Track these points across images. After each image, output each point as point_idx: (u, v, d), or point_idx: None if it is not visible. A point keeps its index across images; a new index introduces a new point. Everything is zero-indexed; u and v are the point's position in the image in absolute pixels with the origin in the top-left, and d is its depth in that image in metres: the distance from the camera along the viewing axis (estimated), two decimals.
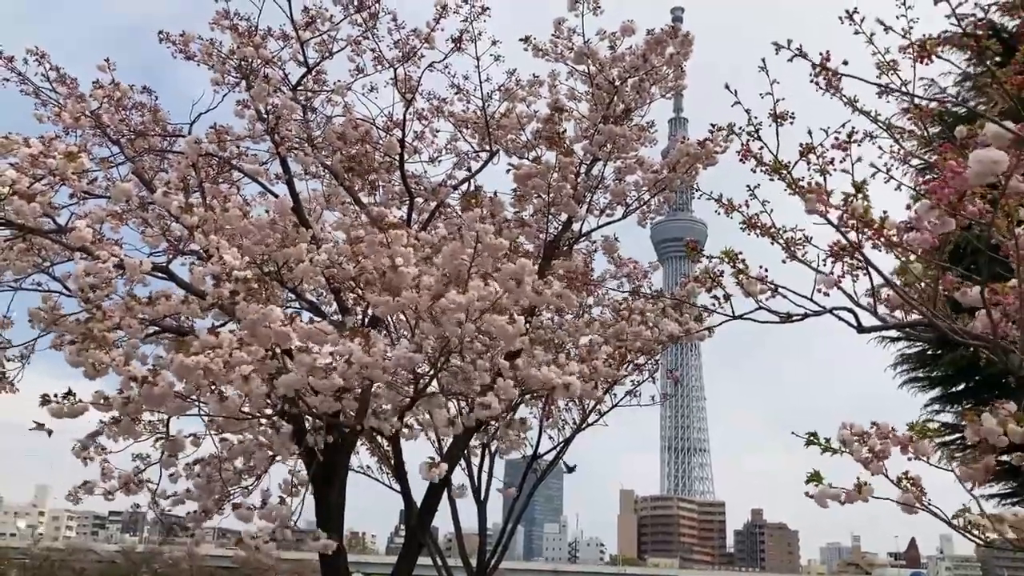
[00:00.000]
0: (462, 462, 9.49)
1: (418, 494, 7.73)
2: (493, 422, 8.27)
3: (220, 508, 7.94)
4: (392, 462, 7.44)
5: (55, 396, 5.55)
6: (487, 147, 8.02)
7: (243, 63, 6.88)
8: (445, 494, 8.36)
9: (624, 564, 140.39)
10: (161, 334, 6.73)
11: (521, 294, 5.54)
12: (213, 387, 5.49)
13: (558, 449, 10.01)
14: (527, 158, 7.97)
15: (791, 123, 4.40)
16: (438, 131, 8.19)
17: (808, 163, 4.22)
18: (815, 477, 3.85)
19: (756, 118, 4.42)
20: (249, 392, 4.95)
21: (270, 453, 8.40)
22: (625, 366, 7.73)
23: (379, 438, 8.74)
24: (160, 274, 6.38)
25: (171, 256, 6.44)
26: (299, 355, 5.00)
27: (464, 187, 8.16)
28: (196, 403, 5.96)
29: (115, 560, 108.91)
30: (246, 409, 5.29)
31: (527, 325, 5.75)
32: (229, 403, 4.88)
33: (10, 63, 6.85)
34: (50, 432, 5.49)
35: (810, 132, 4.21)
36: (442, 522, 13.85)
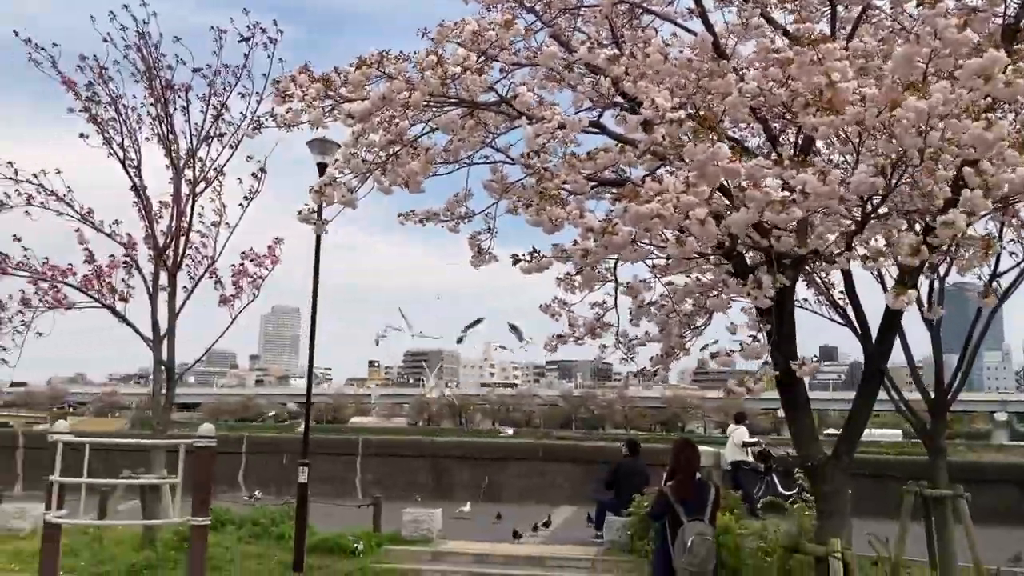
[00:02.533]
0: None
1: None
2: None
3: (683, 349, 8.29)
4: (845, 287, 7.10)
5: (523, 255, 6.10)
6: None
7: None
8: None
9: None
10: (601, 188, 6.98)
11: (990, 91, 4.79)
12: (663, 232, 5.63)
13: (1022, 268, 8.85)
14: None
15: None
16: None
17: None
18: None
19: None
20: (703, 234, 4.95)
21: (714, 293, 8.54)
22: None
23: (817, 273, 8.44)
24: (593, 129, 6.57)
25: (600, 111, 6.59)
26: (750, 191, 4.86)
27: None
28: (651, 248, 6.17)
29: (556, 403, 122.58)
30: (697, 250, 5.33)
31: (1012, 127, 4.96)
32: (687, 246, 4.92)
33: None
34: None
35: None
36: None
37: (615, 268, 7.88)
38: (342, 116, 5.79)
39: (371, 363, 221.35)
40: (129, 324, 11.38)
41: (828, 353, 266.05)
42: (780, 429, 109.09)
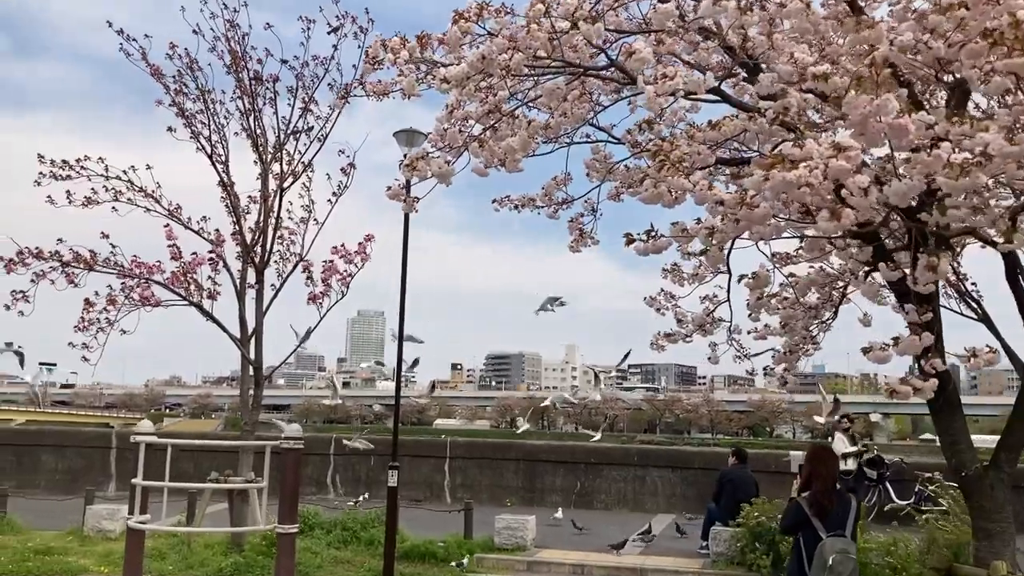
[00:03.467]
0: None
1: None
2: None
3: (812, 344, 7.52)
4: (1007, 273, 6.21)
5: (637, 234, 5.45)
6: None
7: None
8: None
9: None
10: (717, 168, 6.29)
11: None
12: (804, 204, 4.90)
13: None
14: None
15: None
16: None
17: None
18: None
19: None
20: (861, 206, 4.21)
21: (841, 284, 7.72)
22: None
23: (946, 261, 7.51)
24: (711, 96, 5.88)
25: (721, 75, 5.88)
26: (916, 155, 4.10)
27: None
28: (792, 223, 5.44)
29: (640, 407, 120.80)
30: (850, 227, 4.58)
31: None
32: (844, 219, 4.18)
33: None
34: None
35: None
36: None
37: (728, 256, 7.21)
38: (437, 81, 5.23)
39: (454, 366, 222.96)
40: (216, 322, 11.14)
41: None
42: (873, 434, 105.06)
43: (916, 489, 15.27)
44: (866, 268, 6.18)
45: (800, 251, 6.67)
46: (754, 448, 21.54)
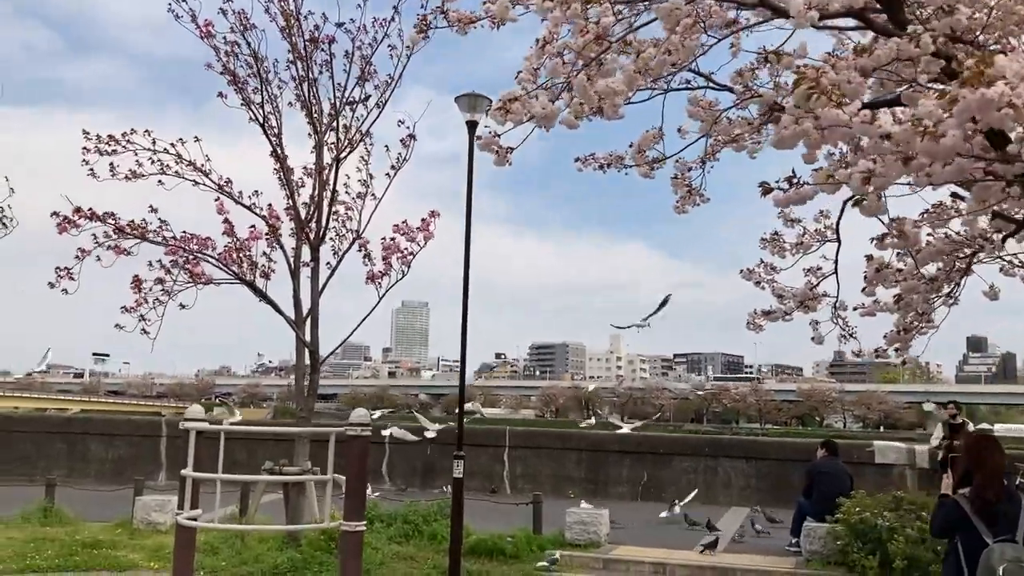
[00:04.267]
0: None
1: None
2: None
3: (928, 323, 6.58)
4: None
5: (776, 182, 4.59)
6: None
7: None
8: None
9: None
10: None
11: None
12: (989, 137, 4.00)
13: None
14: None
15: None
16: None
17: None
18: None
19: None
20: None
21: (967, 252, 6.78)
22: None
23: None
24: (852, 22, 4.97)
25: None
26: None
27: None
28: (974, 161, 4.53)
29: (687, 396, 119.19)
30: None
31: None
32: None
33: None
34: None
35: None
36: None
37: (838, 223, 6.38)
38: (536, 2, 4.41)
39: (498, 355, 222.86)
40: (270, 302, 10.49)
41: (976, 344, 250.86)
42: (925, 424, 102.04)
43: (1018, 483, 14.18)
44: (1007, 232, 5.29)
45: (958, 201, 5.72)
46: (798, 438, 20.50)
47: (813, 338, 7.35)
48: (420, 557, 10.31)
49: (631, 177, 6.10)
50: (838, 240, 6.31)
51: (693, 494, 12.30)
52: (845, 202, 5.97)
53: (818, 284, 6.82)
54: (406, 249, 10.59)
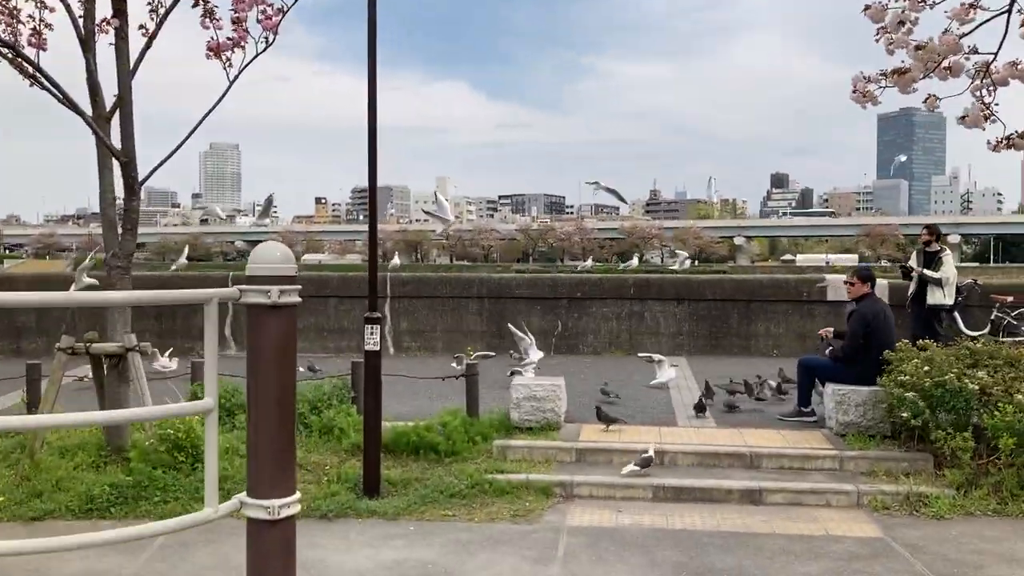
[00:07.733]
0: None
1: None
2: None
3: None
4: None
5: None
6: None
7: None
8: None
9: None
10: None
11: None
12: None
13: None
14: None
15: None
16: None
17: None
18: None
19: None
20: None
21: None
22: None
23: None
24: None
25: None
26: None
27: None
28: None
29: (515, 237, 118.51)
30: None
31: None
32: None
33: None
34: None
35: None
36: None
37: None
38: None
39: (318, 200, 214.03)
40: (50, 80, 6.44)
41: (778, 181, 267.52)
42: (736, 256, 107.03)
43: (992, 317, 12.51)
44: None
45: None
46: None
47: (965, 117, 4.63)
48: (315, 464, 7.08)
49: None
50: None
51: (673, 370, 9.51)
52: None
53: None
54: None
